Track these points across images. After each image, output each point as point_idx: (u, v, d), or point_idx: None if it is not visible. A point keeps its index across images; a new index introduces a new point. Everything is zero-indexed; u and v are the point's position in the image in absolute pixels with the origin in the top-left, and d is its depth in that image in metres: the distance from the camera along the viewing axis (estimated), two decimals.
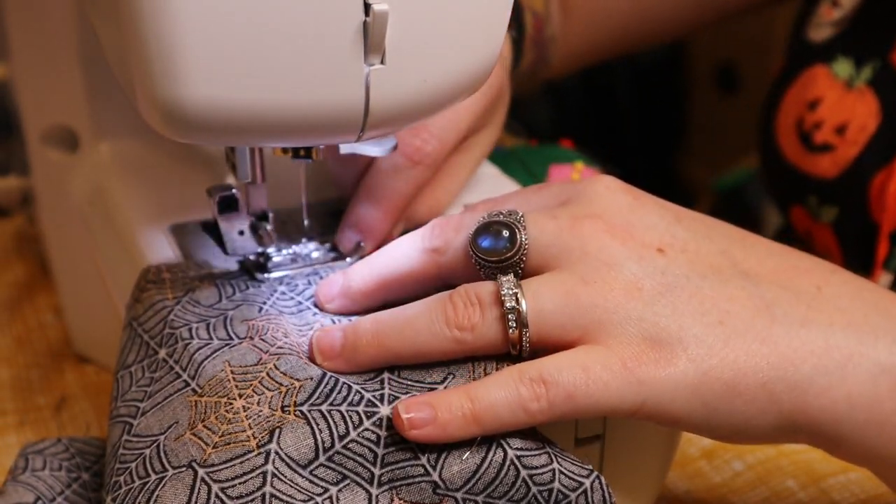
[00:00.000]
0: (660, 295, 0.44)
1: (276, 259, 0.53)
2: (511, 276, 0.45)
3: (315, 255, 0.54)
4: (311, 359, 0.46)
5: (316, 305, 0.50)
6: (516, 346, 0.44)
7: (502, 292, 0.44)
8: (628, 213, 0.46)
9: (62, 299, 0.72)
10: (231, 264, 0.53)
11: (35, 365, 0.71)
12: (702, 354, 0.43)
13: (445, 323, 0.44)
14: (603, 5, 0.86)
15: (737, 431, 0.44)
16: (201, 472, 0.42)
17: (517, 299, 0.44)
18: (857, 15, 0.76)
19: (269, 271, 0.52)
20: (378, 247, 0.53)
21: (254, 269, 0.52)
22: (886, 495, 0.59)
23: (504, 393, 0.43)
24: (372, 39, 0.41)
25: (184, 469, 0.43)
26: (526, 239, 0.45)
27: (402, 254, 0.48)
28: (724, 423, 0.44)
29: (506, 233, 0.45)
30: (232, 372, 0.45)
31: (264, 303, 0.50)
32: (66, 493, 0.51)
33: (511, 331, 0.44)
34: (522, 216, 0.46)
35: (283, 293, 0.51)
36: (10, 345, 0.73)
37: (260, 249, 0.53)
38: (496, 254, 0.45)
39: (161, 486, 0.42)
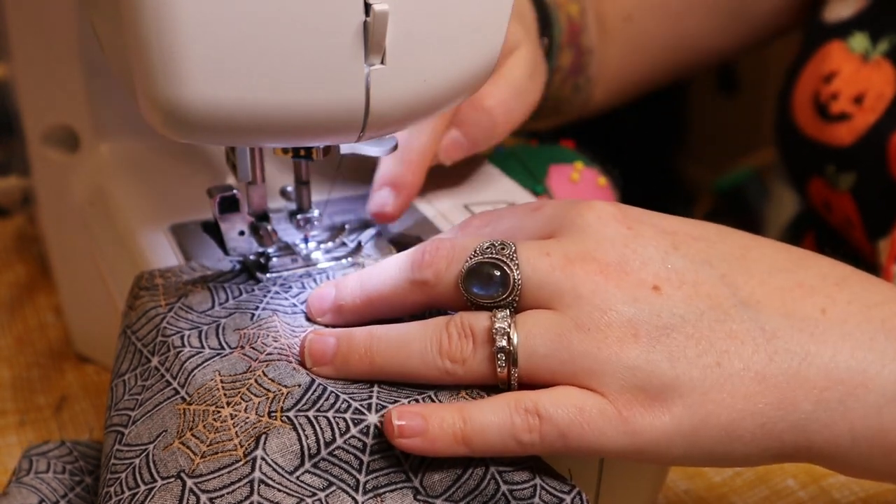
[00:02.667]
0: (655, 340, 0.42)
1: (276, 259, 0.53)
2: (506, 314, 0.44)
3: (315, 256, 0.54)
4: (302, 362, 0.46)
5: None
6: (504, 384, 0.44)
7: (494, 329, 0.43)
8: (622, 247, 0.44)
9: (62, 299, 0.72)
10: (227, 264, 0.53)
11: (35, 365, 0.71)
12: (698, 401, 0.42)
13: (439, 352, 0.44)
14: (641, 31, 0.86)
15: (736, 464, 0.44)
16: (189, 482, 0.42)
17: (508, 338, 0.43)
18: None
19: (269, 271, 0.52)
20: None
21: (254, 268, 0.52)
22: (886, 493, 0.59)
23: (497, 418, 0.42)
24: (372, 39, 0.41)
25: (172, 479, 0.43)
26: (519, 277, 0.44)
27: (392, 279, 0.47)
28: (723, 462, 0.43)
29: (497, 274, 0.44)
30: (221, 381, 0.45)
31: (256, 307, 0.50)
32: (69, 496, 0.51)
33: (500, 370, 0.43)
34: (515, 251, 0.45)
35: (277, 293, 0.51)
36: (10, 345, 0.73)
37: (260, 249, 0.53)
38: (488, 297, 0.44)
39: (150, 497, 0.42)
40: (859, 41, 0.76)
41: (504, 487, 0.43)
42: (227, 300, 0.50)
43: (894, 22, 0.75)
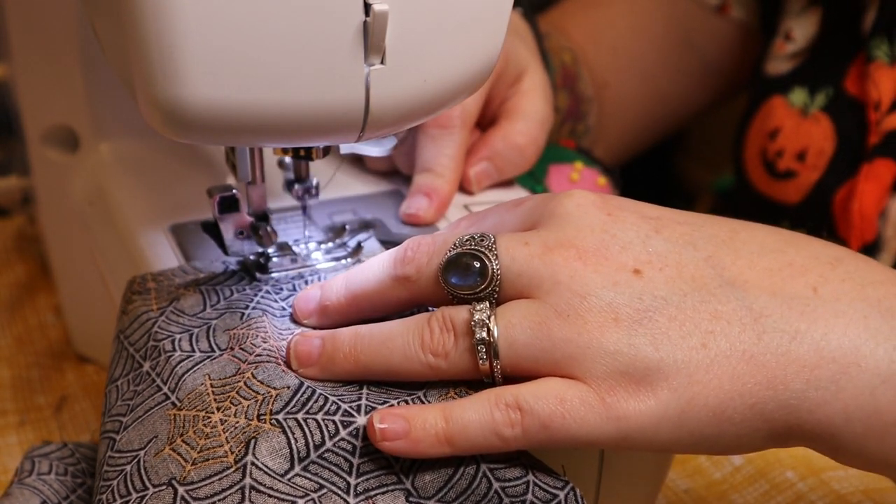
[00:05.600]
0: (637, 324, 0.42)
1: (275, 260, 0.53)
2: (485, 305, 0.44)
3: (315, 256, 0.54)
4: (289, 363, 0.46)
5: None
6: (488, 376, 0.44)
7: (473, 322, 0.43)
8: (601, 233, 0.44)
9: (62, 299, 0.72)
10: (219, 266, 0.53)
11: (35, 365, 0.71)
12: (684, 383, 0.41)
13: (421, 347, 0.44)
14: (619, 96, 0.89)
15: (728, 449, 0.43)
16: (181, 490, 0.42)
17: (488, 330, 0.43)
18: (810, 49, 0.78)
19: (269, 271, 0.52)
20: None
21: (254, 269, 0.52)
22: (887, 486, 0.59)
23: (478, 415, 0.42)
24: (372, 39, 0.41)
25: (164, 487, 0.42)
26: (498, 268, 0.44)
27: (375, 278, 0.47)
28: (714, 445, 0.43)
29: (476, 265, 0.44)
30: (211, 385, 0.45)
31: (246, 306, 0.49)
32: (70, 497, 0.51)
33: (481, 362, 0.43)
34: (494, 242, 0.44)
35: (268, 292, 0.51)
36: (10, 345, 0.73)
37: (260, 249, 0.53)
38: (468, 288, 0.44)
39: None
40: (798, 95, 0.76)
41: (496, 485, 0.43)
42: (218, 302, 0.50)
43: (830, 75, 0.75)
